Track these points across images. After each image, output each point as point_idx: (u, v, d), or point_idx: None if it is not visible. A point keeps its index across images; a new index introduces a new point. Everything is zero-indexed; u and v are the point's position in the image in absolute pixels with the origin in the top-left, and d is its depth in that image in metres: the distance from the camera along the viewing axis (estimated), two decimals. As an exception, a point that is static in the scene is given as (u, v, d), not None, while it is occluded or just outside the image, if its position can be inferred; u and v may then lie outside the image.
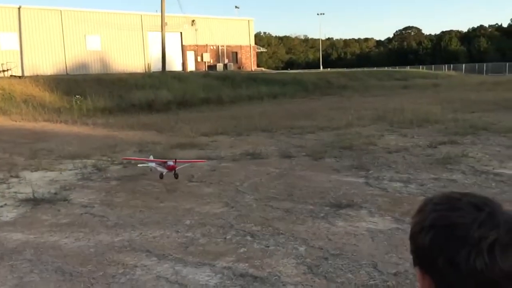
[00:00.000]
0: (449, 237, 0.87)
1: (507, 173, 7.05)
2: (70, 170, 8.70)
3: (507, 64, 58.07)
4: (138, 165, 7.84)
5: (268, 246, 4.66)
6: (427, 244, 0.90)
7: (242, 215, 5.68)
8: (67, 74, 32.84)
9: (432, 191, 6.32)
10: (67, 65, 35.46)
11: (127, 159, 8.22)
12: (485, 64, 61.13)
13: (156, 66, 34.64)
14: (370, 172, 7.62)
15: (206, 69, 41.89)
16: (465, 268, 0.85)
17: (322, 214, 5.58)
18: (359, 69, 48.21)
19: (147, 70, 36.04)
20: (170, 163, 7.25)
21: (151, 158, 7.97)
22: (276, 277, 3.97)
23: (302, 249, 4.55)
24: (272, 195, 6.56)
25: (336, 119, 14.17)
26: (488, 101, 17.11)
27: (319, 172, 7.84)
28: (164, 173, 7.28)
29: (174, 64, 39.95)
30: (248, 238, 4.92)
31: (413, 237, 0.94)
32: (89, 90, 22.06)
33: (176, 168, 7.26)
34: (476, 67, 60.35)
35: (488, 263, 0.84)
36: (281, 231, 5.07)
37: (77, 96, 21.00)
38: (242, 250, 4.60)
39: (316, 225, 5.23)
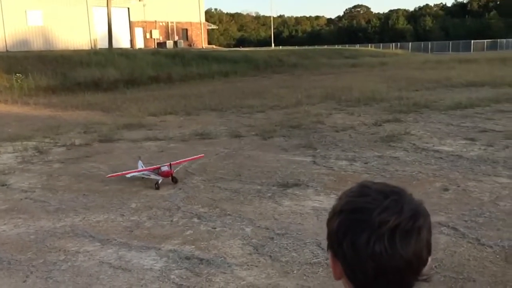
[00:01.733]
0: (353, 221, 0.89)
1: (445, 149, 7.35)
2: (10, 153, 8.32)
3: (450, 42, 60.20)
4: (127, 176, 6.42)
5: (215, 228, 4.67)
6: (335, 228, 0.92)
7: (190, 197, 5.65)
8: (7, 51, 31.08)
9: (376, 169, 6.52)
10: (6, 42, 33.50)
11: (112, 176, 6.34)
12: (430, 43, 63.06)
13: (103, 43, 33.41)
14: (317, 151, 7.74)
15: (156, 46, 40.86)
16: (365, 252, 0.86)
17: (269, 194, 5.64)
18: (310, 47, 48.51)
19: (93, 47, 34.71)
20: (165, 168, 6.15)
21: (141, 165, 6.62)
22: (222, 258, 3.98)
23: (248, 229, 4.59)
24: (220, 175, 6.55)
25: (286, 98, 14.25)
26: (431, 79, 17.69)
27: (268, 151, 7.89)
28: (159, 181, 6.11)
29: (122, 41, 38.69)
30: (195, 220, 4.91)
31: (327, 222, 0.97)
32: (31, 68, 21.04)
33: (173, 173, 6.22)
34: (422, 46, 62.16)
35: (388, 248, 0.85)
36: (228, 212, 5.08)
37: (17, 74, 19.94)
38: (188, 232, 4.58)
39: (263, 205, 5.27)
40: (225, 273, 3.73)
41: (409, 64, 28.88)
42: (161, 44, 41.29)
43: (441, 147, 7.52)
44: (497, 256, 3.81)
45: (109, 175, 6.37)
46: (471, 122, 9.34)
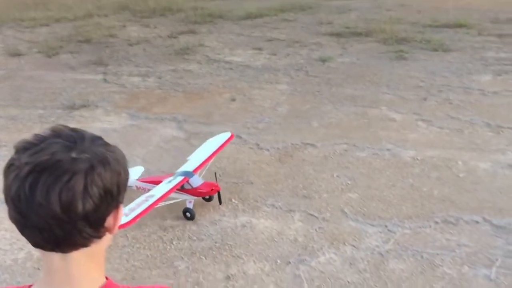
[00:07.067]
0: (11, 161, 0.79)
1: (235, 60, 7.64)
2: None
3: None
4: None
5: (-13, 163, 4.15)
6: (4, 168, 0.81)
7: (-47, 130, 4.88)
8: None
9: (169, 83, 6.49)
10: None
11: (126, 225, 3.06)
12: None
13: None
14: (109, 67, 7.32)
15: None
16: (9, 195, 0.77)
17: (52, 119, 5.20)
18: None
19: None
20: (197, 182, 3.52)
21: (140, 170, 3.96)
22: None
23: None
24: (-6, 102, 5.76)
25: (75, 9, 12.90)
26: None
27: (53, 70, 7.17)
28: (191, 204, 3.55)
29: None
30: (-39, 156, 4.28)
31: None
32: None
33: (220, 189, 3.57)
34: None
35: (28, 192, 0.75)
36: (3, 143, 4.55)
37: None
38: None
39: (46, 131, 4.85)
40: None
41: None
42: None
43: (232, 58, 7.79)
44: (272, 158, 4.23)
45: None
46: (259, 32, 9.81)
